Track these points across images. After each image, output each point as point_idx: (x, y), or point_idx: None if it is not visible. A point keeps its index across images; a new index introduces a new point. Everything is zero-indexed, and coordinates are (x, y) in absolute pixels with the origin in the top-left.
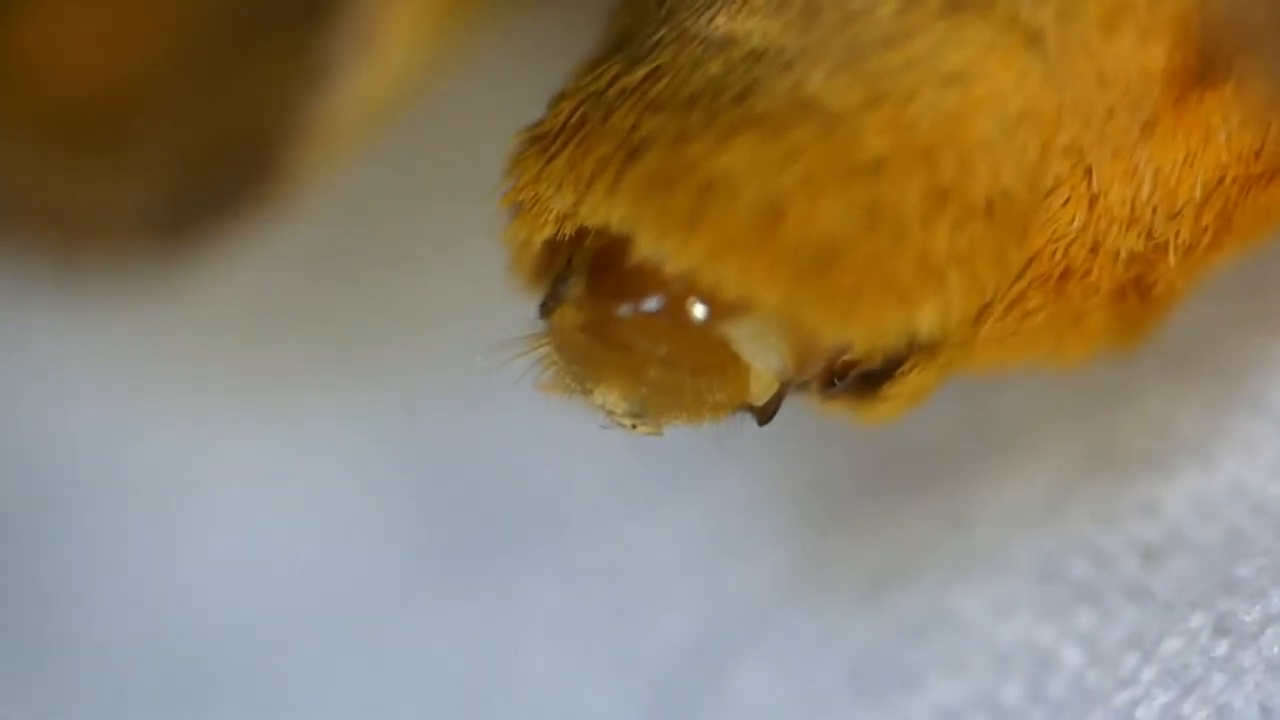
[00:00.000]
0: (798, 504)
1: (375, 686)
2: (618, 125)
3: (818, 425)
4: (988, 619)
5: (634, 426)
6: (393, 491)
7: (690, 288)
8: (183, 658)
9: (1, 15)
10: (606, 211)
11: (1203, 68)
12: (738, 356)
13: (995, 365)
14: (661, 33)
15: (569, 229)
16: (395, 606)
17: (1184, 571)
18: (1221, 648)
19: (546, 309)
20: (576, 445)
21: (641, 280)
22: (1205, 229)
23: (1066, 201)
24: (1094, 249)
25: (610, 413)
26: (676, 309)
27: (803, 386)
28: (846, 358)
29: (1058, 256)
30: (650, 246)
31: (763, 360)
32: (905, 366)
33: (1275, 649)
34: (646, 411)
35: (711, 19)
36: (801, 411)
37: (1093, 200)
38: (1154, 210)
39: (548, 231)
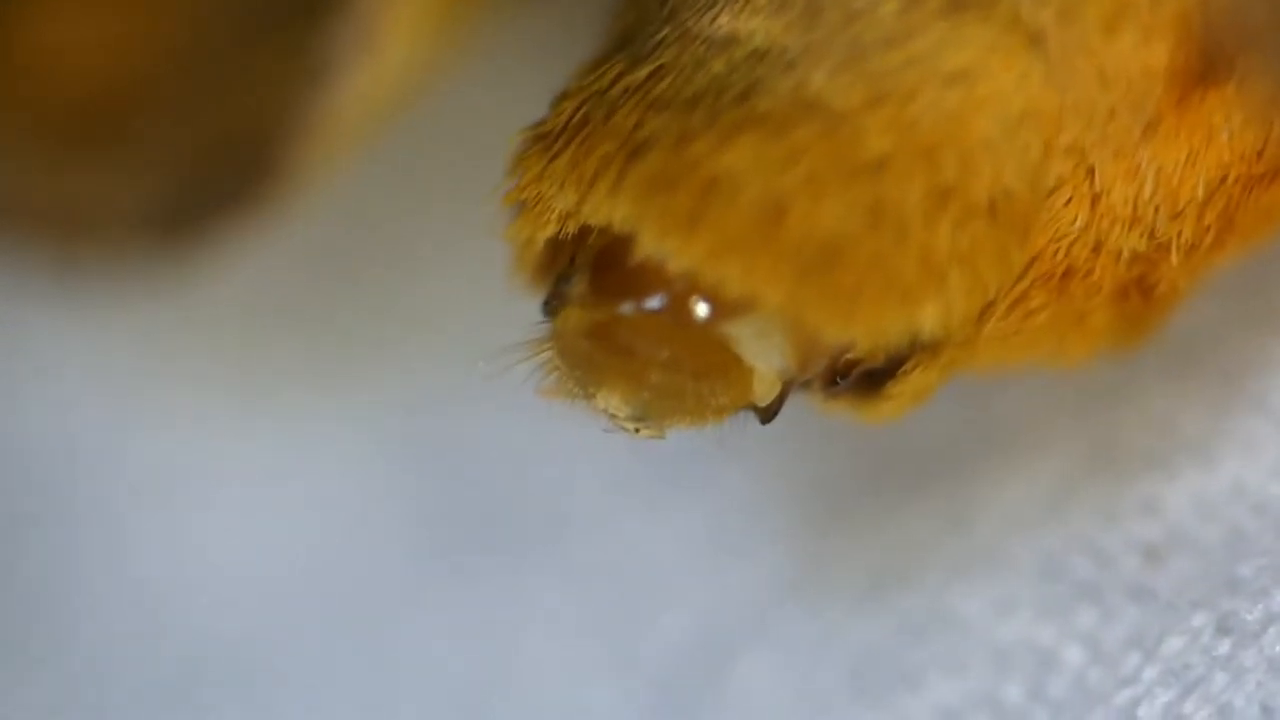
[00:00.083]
0: (799, 503)
1: (375, 686)
2: (620, 124)
3: (820, 424)
4: (989, 618)
5: (637, 430)
6: (393, 491)
7: (693, 286)
8: (182, 657)
9: (1, 15)
10: (609, 210)
11: (1205, 67)
12: (740, 359)
13: (997, 364)
14: (664, 32)
15: (571, 228)
16: (395, 606)
17: (1185, 571)
18: (1223, 647)
19: (549, 308)
20: (577, 444)
21: (644, 279)
22: (1207, 229)
23: (1069, 201)
24: (1096, 248)
25: (613, 417)
26: (679, 308)
27: (805, 385)
28: (849, 357)
29: (1060, 256)
30: (653, 245)
31: (765, 360)
32: (908, 366)
33: (1277, 648)
34: (649, 415)
35: (714, 18)
36: (803, 410)
37: (1095, 200)
38: (1156, 210)
39: (550, 230)
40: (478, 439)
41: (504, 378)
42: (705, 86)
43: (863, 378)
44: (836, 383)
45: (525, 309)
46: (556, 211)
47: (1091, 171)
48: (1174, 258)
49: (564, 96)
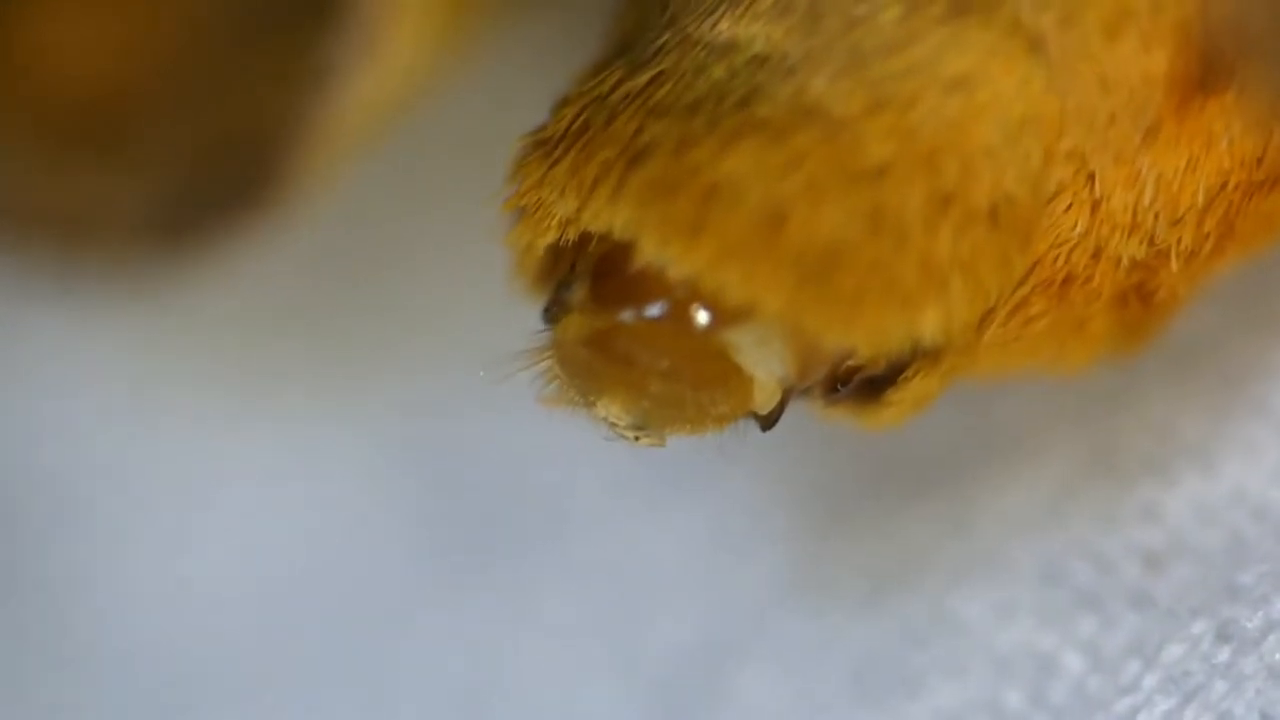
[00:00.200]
0: (800, 507)
1: (375, 687)
2: (621, 130)
3: (821, 429)
4: (989, 624)
5: (637, 438)
6: (393, 493)
7: (693, 293)
8: (183, 658)
9: (1, 15)
10: (609, 217)
11: (1205, 74)
12: (740, 368)
13: (998, 371)
14: (664, 38)
15: (572, 234)
16: (396, 607)
17: (1186, 578)
18: (1223, 654)
19: (549, 315)
20: (578, 446)
21: (644, 286)
22: (1207, 235)
23: (1069, 207)
24: (1096, 254)
25: (613, 425)
26: (679, 315)
27: (806, 392)
28: (849, 364)
29: (1060, 262)
30: (653, 252)
31: (765, 367)
32: (908, 372)
33: (1277, 656)
34: (649, 424)
35: (715, 24)
36: (804, 416)
37: (1095, 206)
38: (1156, 216)
39: (551, 237)
40: (478, 441)
41: (505, 382)
42: (706, 92)
43: (863, 385)
44: (837, 390)
45: (526, 312)
46: (557, 218)
47: (1092, 177)
48: (1174, 264)
49: (564, 102)
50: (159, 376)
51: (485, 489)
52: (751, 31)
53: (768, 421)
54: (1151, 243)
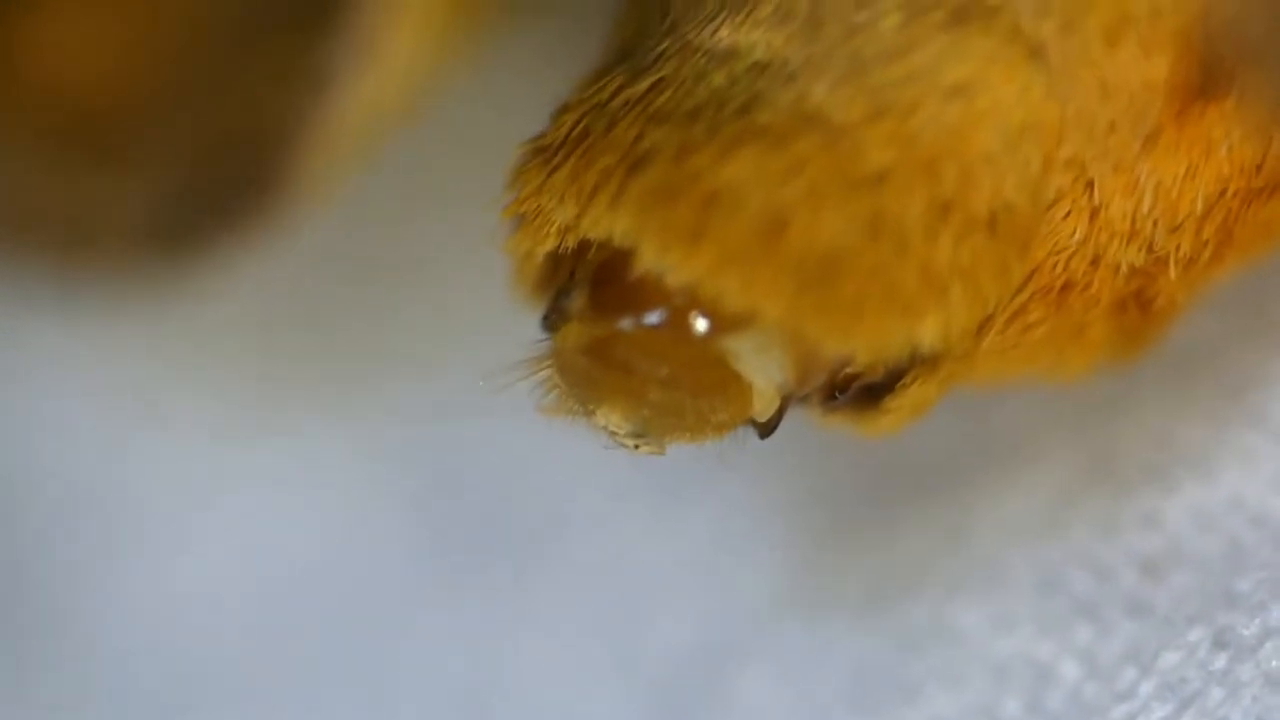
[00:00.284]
0: (798, 514)
1: (375, 687)
2: (621, 137)
3: (819, 437)
4: (986, 632)
5: (636, 447)
6: (394, 494)
7: (692, 301)
8: (183, 659)
9: (1, 16)
10: (609, 224)
11: (1205, 81)
12: (739, 376)
13: (996, 378)
14: (665, 44)
15: (571, 242)
16: (396, 610)
17: (1183, 585)
18: (1220, 662)
19: (549, 323)
20: (580, 450)
21: (644, 293)
22: (1206, 243)
23: (1068, 214)
24: (1095, 262)
25: (613, 433)
26: (678, 323)
27: (804, 399)
28: (848, 371)
29: (1059, 269)
30: (653, 259)
31: (764, 375)
32: (906, 379)
33: (1273, 663)
34: (649, 432)
35: (715, 31)
36: (803, 424)
37: (1094, 213)
38: (1155, 223)
39: (550, 244)
40: (479, 444)
41: (506, 390)
42: (706, 99)
43: (861, 392)
44: (835, 397)
45: (527, 318)
46: (556, 225)
47: (1091, 185)
48: (1172, 271)
49: (564, 109)
50: (159, 380)
51: (485, 491)
52: (752, 38)
53: (767, 429)
54: (1150, 250)
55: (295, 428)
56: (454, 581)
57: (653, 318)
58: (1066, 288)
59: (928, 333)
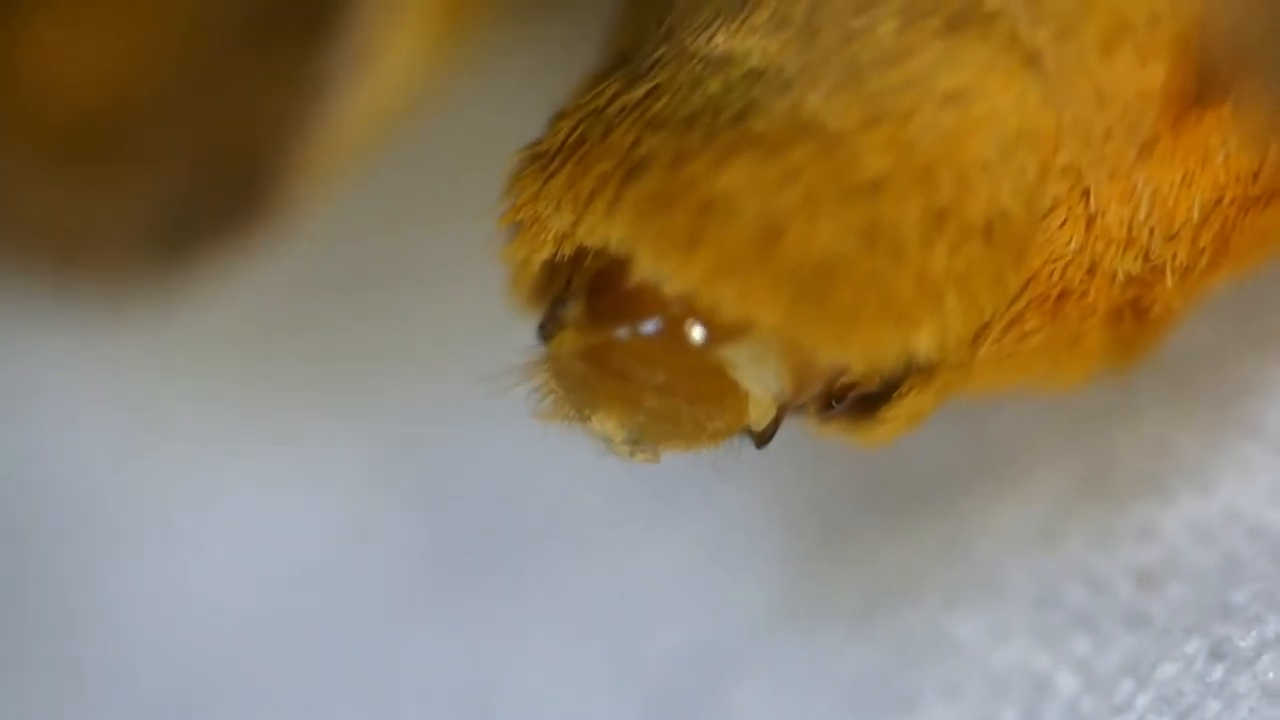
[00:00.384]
0: (794, 523)
1: (375, 688)
2: (617, 143)
3: (815, 446)
4: (984, 643)
5: (632, 454)
6: (392, 504)
7: (689, 309)
8: (183, 660)
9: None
10: (605, 231)
11: (1201, 88)
12: (735, 383)
13: (992, 387)
14: (661, 51)
15: (568, 249)
16: (395, 618)
17: (1180, 596)
18: (1216, 673)
19: (545, 330)
20: (577, 459)
21: (640, 302)
22: (1202, 251)
23: (1064, 222)
24: (1091, 270)
25: (608, 441)
26: (675, 331)
27: (800, 409)
28: (844, 380)
29: (1055, 277)
30: (649, 267)
31: (760, 384)
32: (902, 388)
33: (1270, 675)
34: (644, 439)
35: (711, 37)
36: (798, 433)
37: (1090, 221)
38: (1151, 231)
39: (546, 252)
40: (476, 449)
41: (503, 395)
42: (702, 106)
43: (857, 401)
44: (831, 406)
45: (524, 326)
46: (552, 232)
47: (1087, 193)
48: (1169, 280)
49: (561, 115)
50: (158, 387)
51: (484, 496)
52: (748, 45)
53: (763, 438)
54: (1147, 258)
55: (295, 432)
56: (453, 583)
57: (649, 326)
58: (1063, 296)
59: (923, 342)
